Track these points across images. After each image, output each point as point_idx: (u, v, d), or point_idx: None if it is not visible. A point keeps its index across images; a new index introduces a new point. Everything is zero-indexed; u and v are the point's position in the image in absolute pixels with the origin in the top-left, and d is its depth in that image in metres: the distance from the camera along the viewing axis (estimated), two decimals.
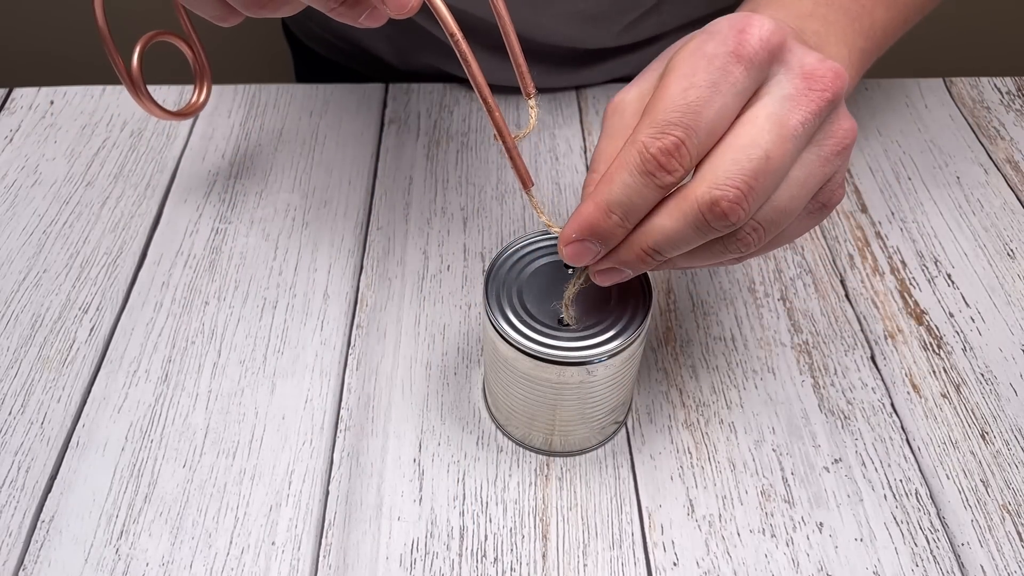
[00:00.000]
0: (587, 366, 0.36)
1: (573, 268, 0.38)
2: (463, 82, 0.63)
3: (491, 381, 0.42)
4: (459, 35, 0.30)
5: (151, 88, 0.62)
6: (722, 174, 0.29)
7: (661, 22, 0.61)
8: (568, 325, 0.37)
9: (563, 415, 0.39)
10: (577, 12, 0.58)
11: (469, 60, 0.31)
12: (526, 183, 0.34)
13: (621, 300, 0.38)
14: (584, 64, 0.62)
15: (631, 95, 0.33)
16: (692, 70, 0.29)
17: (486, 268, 0.39)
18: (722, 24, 0.30)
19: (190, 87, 0.63)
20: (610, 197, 0.30)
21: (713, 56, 0.29)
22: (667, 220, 0.31)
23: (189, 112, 0.49)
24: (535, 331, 0.36)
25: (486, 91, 0.32)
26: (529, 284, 0.38)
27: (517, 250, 0.39)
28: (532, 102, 0.35)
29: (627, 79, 0.64)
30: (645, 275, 0.38)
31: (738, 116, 0.30)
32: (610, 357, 0.36)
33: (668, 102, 0.29)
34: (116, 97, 0.62)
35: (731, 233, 0.31)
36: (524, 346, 0.36)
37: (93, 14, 0.42)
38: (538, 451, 0.43)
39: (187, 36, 0.48)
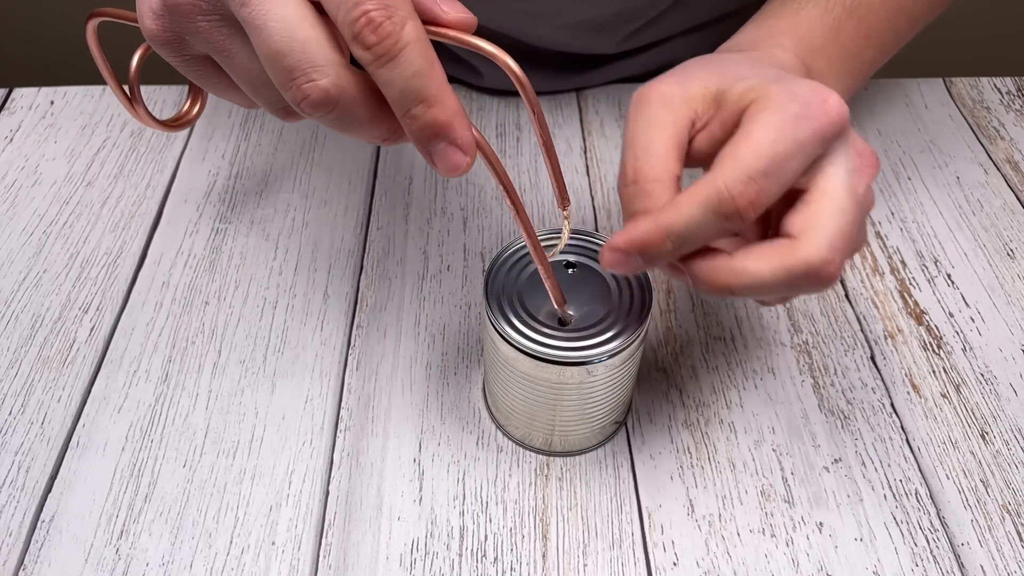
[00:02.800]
0: (587, 366, 0.36)
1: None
2: (468, 85, 0.63)
3: (491, 381, 0.42)
4: (509, 185, 0.32)
5: (154, 88, 0.62)
6: (829, 239, 0.31)
7: (662, 29, 0.61)
8: (566, 324, 0.37)
9: (563, 415, 0.39)
10: (581, 22, 0.58)
11: (519, 210, 0.33)
12: (560, 304, 0.36)
13: (621, 300, 0.38)
14: (586, 68, 0.62)
15: (679, 92, 0.33)
16: (780, 124, 0.31)
17: (486, 268, 0.39)
18: (802, 88, 0.32)
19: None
20: (673, 225, 0.31)
21: (799, 118, 0.31)
22: (765, 269, 0.31)
23: (182, 123, 0.48)
24: (535, 331, 0.36)
25: (534, 238, 0.34)
26: (529, 284, 0.38)
27: (517, 250, 0.39)
28: (566, 212, 0.35)
29: (628, 80, 0.64)
30: (646, 275, 0.38)
31: (812, 181, 0.32)
32: (610, 357, 0.36)
33: (757, 150, 0.30)
34: (116, 97, 0.62)
35: None
36: (524, 346, 0.36)
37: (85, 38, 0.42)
38: (538, 451, 0.43)
39: None
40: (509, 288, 0.38)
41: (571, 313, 0.37)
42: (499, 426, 0.43)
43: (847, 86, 0.43)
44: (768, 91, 0.32)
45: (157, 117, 0.44)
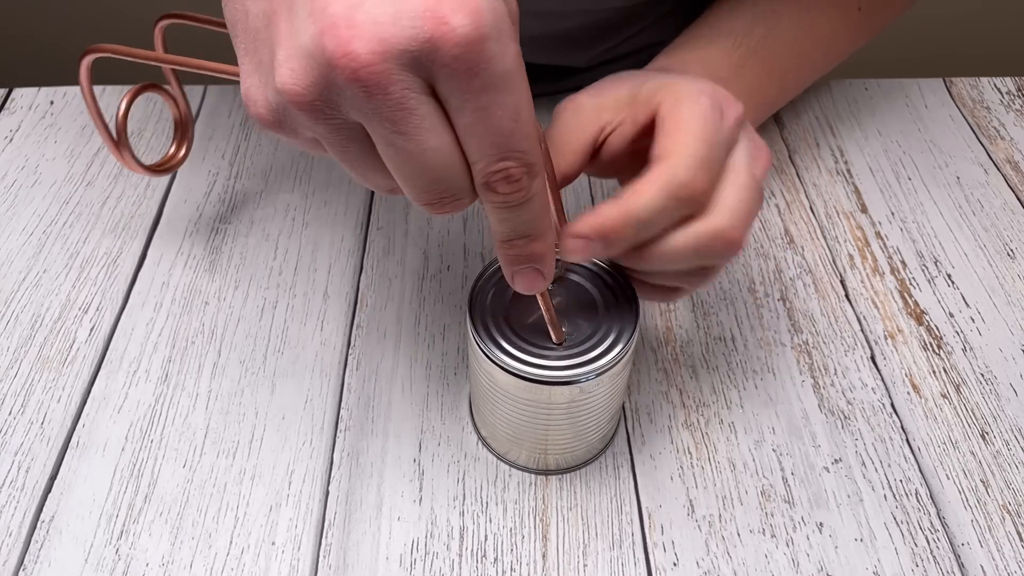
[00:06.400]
0: (579, 384, 0.36)
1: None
2: None
3: (486, 412, 0.40)
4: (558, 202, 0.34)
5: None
6: (735, 208, 0.34)
7: (635, 42, 0.62)
8: (561, 343, 0.36)
9: (555, 434, 0.39)
10: (558, 33, 0.58)
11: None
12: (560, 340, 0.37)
13: (608, 312, 0.37)
14: (563, 77, 0.63)
15: (590, 102, 0.37)
16: (703, 114, 0.34)
17: (469, 286, 0.38)
18: (706, 85, 0.36)
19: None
20: (637, 210, 0.33)
21: (714, 108, 0.35)
22: (679, 239, 0.34)
23: (167, 167, 0.48)
24: (524, 351, 0.36)
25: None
26: (514, 302, 0.37)
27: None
28: (558, 250, 0.37)
29: None
30: (631, 287, 0.38)
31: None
32: (597, 376, 0.36)
33: (697, 137, 0.33)
34: (116, 97, 0.62)
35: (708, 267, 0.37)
36: (514, 368, 0.35)
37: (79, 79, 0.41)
38: (535, 471, 0.42)
39: (172, 91, 0.47)
40: (495, 307, 0.37)
41: (564, 331, 0.36)
42: (499, 456, 0.42)
43: (750, 119, 0.47)
44: (676, 87, 0.35)
45: (143, 162, 0.44)
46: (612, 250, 0.34)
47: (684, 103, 0.35)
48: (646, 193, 0.33)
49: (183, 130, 0.49)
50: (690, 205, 0.33)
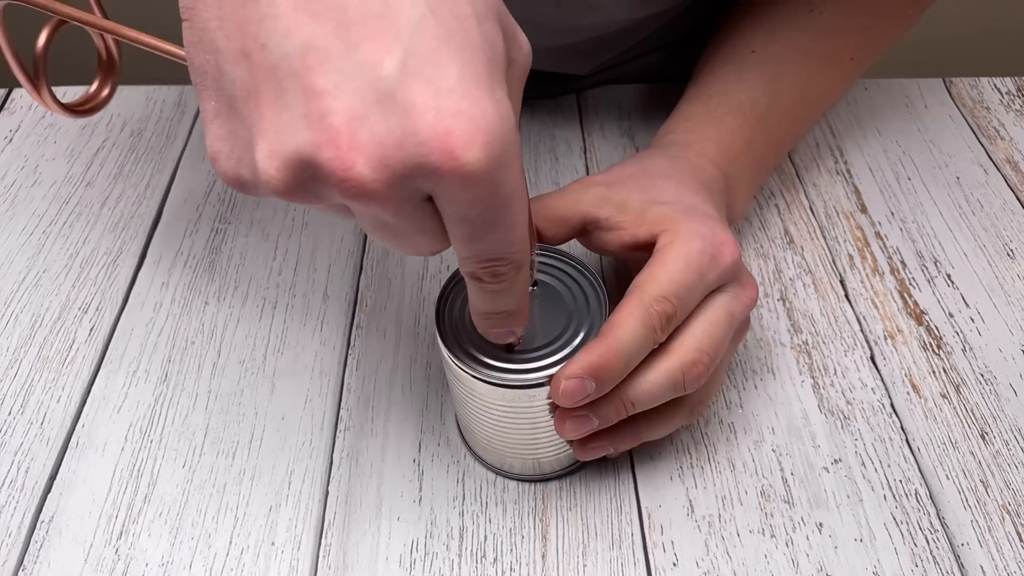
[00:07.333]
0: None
1: None
2: None
3: (472, 426, 0.40)
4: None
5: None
6: (698, 343, 0.37)
7: (638, 49, 0.62)
8: (516, 344, 0.36)
9: (543, 438, 0.38)
10: (565, 45, 0.58)
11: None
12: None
13: (577, 306, 0.37)
14: (565, 82, 0.63)
15: (600, 190, 0.40)
16: (687, 257, 0.36)
17: (436, 298, 0.38)
18: (706, 229, 0.37)
19: (162, 87, 0.63)
20: (620, 342, 0.34)
21: (703, 254, 0.37)
22: (652, 374, 0.36)
23: (90, 107, 0.42)
24: (497, 358, 0.35)
25: None
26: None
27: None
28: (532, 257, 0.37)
29: (615, 81, 0.64)
30: (598, 280, 0.38)
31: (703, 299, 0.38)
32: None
33: (670, 276, 0.36)
34: (116, 97, 0.62)
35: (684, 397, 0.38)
36: (491, 377, 0.35)
37: None
38: (531, 479, 0.42)
39: (97, 22, 0.39)
40: (462, 317, 0.37)
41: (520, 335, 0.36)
42: (496, 470, 0.42)
43: (755, 187, 0.50)
44: (679, 225, 0.38)
45: (63, 102, 0.39)
46: (606, 387, 0.35)
47: (677, 243, 0.37)
48: (623, 324, 0.35)
49: (108, 68, 0.42)
50: (656, 332, 0.35)
